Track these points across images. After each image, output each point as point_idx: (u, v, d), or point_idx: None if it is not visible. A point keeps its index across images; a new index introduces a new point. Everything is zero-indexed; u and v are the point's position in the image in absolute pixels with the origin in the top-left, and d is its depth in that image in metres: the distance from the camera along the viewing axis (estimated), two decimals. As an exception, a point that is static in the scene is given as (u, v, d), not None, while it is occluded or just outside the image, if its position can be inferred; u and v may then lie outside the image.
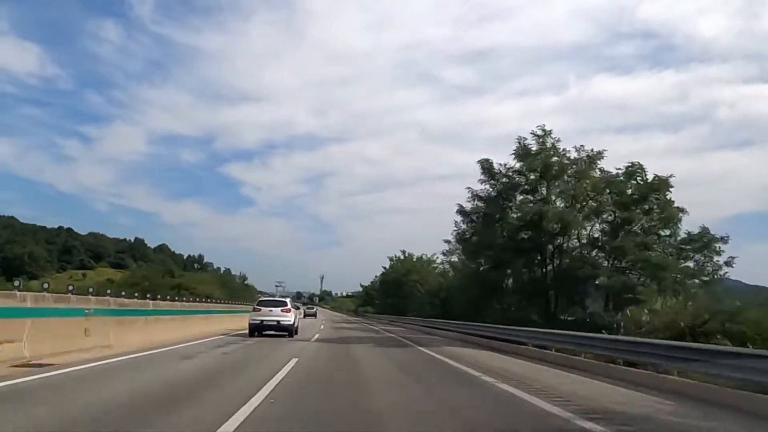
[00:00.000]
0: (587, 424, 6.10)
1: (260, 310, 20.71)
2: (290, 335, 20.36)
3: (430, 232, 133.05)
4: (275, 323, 20.25)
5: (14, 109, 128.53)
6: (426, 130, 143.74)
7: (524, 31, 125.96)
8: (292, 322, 20.60)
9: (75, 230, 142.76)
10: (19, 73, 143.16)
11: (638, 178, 23.64)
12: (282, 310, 20.67)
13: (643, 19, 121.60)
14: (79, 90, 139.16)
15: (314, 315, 60.22)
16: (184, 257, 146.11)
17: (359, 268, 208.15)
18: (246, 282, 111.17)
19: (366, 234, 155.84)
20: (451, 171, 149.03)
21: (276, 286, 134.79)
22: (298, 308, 27.90)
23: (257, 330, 20.21)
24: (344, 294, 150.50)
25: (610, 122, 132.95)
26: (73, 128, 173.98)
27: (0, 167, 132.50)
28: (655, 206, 23.10)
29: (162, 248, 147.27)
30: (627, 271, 23.16)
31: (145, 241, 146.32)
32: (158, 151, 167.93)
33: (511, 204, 26.65)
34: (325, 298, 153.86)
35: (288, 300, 22.72)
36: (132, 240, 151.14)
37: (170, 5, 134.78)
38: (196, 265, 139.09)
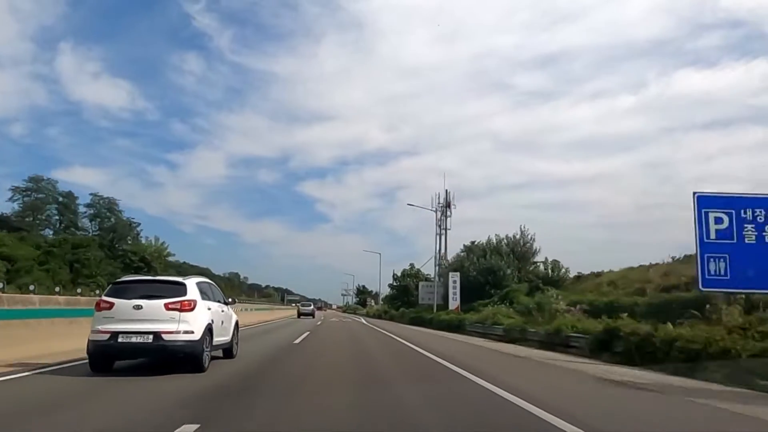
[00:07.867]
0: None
1: (111, 305, 8.33)
2: (196, 367, 8.48)
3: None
4: (148, 340, 8.16)
5: (109, 141, 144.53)
6: (498, 138, 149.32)
7: (597, 31, 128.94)
8: (193, 336, 8.42)
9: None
10: (112, 108, 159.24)
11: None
12: (168, 306, 8.39)
13: (727, 7, 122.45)
14: (165, 120, 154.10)
15: (311, 314, 51.25)
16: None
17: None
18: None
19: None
20: (523, 179, 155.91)
21: (343, 295, 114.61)
22: (231, 302, 11.75)
23: (107, 355, 8.42)
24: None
25: (695, 119, 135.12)
26: (160, 156, 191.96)
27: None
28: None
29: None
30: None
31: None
32: (237, 173, 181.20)
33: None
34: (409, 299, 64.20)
35: (190, 282, 9.15)
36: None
37: (246, 35, 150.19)
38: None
